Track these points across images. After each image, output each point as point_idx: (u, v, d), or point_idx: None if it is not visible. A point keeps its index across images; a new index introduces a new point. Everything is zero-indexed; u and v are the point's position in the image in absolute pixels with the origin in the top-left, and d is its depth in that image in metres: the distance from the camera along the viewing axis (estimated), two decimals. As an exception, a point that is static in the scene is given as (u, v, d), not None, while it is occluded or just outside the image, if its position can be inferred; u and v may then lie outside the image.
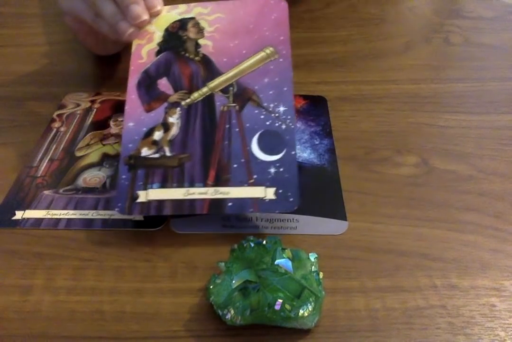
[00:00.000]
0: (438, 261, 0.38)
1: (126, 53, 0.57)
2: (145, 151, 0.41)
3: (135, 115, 0.42)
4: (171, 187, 0.39)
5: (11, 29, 0.66)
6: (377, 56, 0.60)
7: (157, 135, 0.41)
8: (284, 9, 0.45)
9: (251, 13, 0.46)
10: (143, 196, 0.39)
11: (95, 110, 0.52)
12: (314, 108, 0.52)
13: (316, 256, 0.35)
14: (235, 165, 0.39)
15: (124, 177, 0.40)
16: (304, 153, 0.46)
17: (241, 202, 0.38)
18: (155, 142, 0.41)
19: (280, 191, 0.38)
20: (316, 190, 0.43)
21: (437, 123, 0.50)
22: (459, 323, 0.34)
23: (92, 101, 0.53)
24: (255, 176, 0.39)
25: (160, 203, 0.38)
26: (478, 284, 0.36)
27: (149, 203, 0.38)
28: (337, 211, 0.41)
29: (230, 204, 0.38)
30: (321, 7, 0.70)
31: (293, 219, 0.41)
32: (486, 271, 0.37)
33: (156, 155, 0.41)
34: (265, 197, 0.38)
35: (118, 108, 0.51)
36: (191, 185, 0.39)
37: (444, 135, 0.49)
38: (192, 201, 0.38)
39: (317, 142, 0.47)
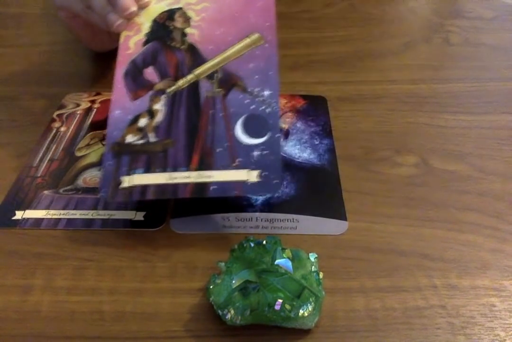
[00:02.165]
0: (438, 261, 0.38)
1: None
2: (130, 138, 0.41)
3: (120, 104, 0.42)
4: (155, 172, 0.39)
5: (11, 29, 0.66)
6: (377, 56, 0.60)
7: (142, 122, 0.41)
8: None
9: (237, 1, 0.46)
10: (126, 181, 0.39)
11: (95, 110, 0.52)
12: (314, 108, 0.52)
13: (316, 256, 0.35)
14: (218, 150, 0.39)
15: (109, 163, 0.40)
16: (304, 153, 0.46)
17: (224, 185, 0.38)
18: (140, 129, 0.41)
19: (264, 174, 0.38)
20: (316, 190, 0.43)
21: (437, 123, 0.50)
22: (459, 323, 0.34)
23: (92, 101, 0.53)
24: (239, 159, 0.38)
25: (144, 188, 0.38)
26: (478, 284, 0.36)
27: (132, 188, 0.38)
28: (337, 211, 0.41)
29: (213, 187, 0.38)
30: (321, 7, 0.70)
31: (293, 219, 0.41)
32: (486, 271, 0.37)
33: (141, 142, 0.41)
34: (248, 179, 0.38)
35: (118, 108, 0.52)
36: (175, 169, 0.39)
37: (444, 135, 0.49)
38: (175, 185, 0.38)
39: (317, 142, 0.47)
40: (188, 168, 0.39)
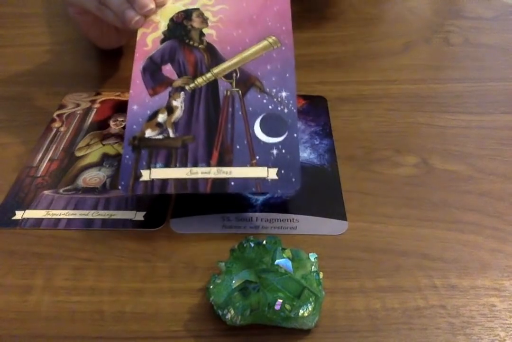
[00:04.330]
0: (438, 261, 0.38)
1: (127, 52, 0.58)
2: (149, 133, 0.41)
3: (139, 99, 0.43)
4: (174, 167, 0.39)
5: (11, 29, 0.66)
6: (377, 56, 0.60)
7: (161, 117, 0.42)
8: (286, 1, 0.46)
9: (254, 5, 0.47)
10: (146, 175, 0.39)
11: (95, 110, 0.52)
12: (314, 108, 0.52)
13: (316, 256, 0.34)
14: (238, 147, 0.40)
15: (127, 156, 0.40)
16: (304, 153, 0.46)
17: (244, 182, 0.38)
18: (159, 125, 0.41)
19: (282, 172, 0.39)
20: (316, 190, 0.43)
21: (437, 123, 0.50)
22: (459, 323, 0.34)
23: (92, 101, 0.53)
24: (257, 157, 0.39)
25: (163, 182, 0.39)
26: (478, 284, 0.36)
27: (152, 182, 0.39)
28: (337, 211, 0.41)
29: (232, 183, 0.38)
30: (321, 7, 0.70)
31: (293, 219, 0.41)
32: (486, 271, 0.37)
33: (160, 137, 0.41)
34: (267, 177, 0.38)
35: (118, 108, 0.52)
36: (194, 165, 0.39)
37: (444, 135, 0.49)
38: (195, 180, 0.39)
39: (317, 142, 0.47)
40: (208, 164, 0.39)
